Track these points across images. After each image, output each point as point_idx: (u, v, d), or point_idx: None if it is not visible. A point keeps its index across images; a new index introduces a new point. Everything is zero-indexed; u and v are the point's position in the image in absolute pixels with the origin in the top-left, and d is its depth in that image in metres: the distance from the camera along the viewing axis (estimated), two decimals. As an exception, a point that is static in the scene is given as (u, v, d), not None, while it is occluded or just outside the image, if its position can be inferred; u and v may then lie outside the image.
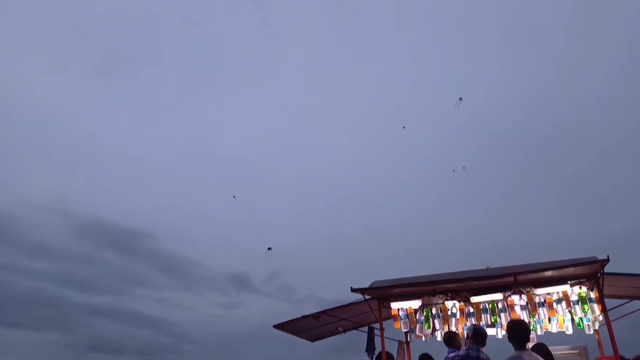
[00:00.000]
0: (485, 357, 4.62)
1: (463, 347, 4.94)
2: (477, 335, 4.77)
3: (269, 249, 23.01)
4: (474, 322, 6.26)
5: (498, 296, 6.35)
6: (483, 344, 4.78)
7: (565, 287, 6.12)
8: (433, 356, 6.28)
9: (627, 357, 6.01)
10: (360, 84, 46.94)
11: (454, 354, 4.89)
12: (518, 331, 4.08)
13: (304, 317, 7.69)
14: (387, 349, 6.65)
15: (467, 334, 4.95)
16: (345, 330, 8.69)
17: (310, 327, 8.20)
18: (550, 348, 5.28)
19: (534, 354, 4.06)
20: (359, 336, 8.57)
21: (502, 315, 6.28)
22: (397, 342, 7.17)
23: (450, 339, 5.50)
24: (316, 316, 7.65)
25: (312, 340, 8.98)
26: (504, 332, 6.91)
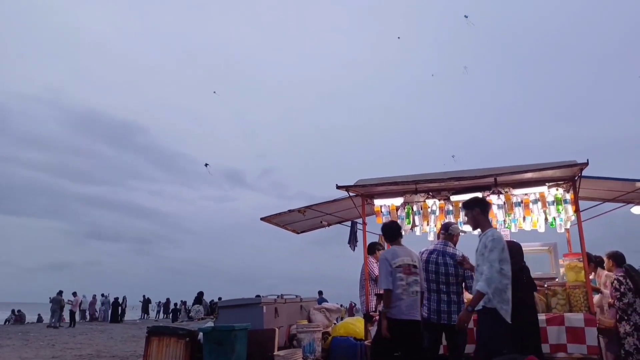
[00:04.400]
0: (452, 251, 4.92)
1: (435, 242, 5.23)
2: (444, 230, 5.10)
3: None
4: (452, 219, 6.53)
5: (477, 195, 6.56)
6: (452, 238, 5.06)
7: (543, 189, 6.32)
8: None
9: (594, 254, 6.40)
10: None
11: (424, 248, 5.17)
12: (387, 231, 4.85)
13: (290, 211, 7.95)
14: (368, 241, 7.00)
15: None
16: (329, 224, 9.07)
17: (296, 220, 8.52)
18: (522, 244, 5.61)
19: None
20: (342, 230, 8.97)
21: (480, 213, 6.53)
22: (378, 236, 7.52)
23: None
24: (302, 210, 7.91)
25: (298, 233, 9.39)
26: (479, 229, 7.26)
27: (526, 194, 6.45)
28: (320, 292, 20.29)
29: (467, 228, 7.27)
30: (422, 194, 6.91)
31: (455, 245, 5.05)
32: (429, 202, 6.88)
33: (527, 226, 6.86)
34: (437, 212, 6.81)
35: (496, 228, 6.56)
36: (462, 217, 6.69)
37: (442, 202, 6.82)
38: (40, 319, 28.75)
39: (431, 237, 6.90)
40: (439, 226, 6.78)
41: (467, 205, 4.40)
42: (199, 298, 17.39)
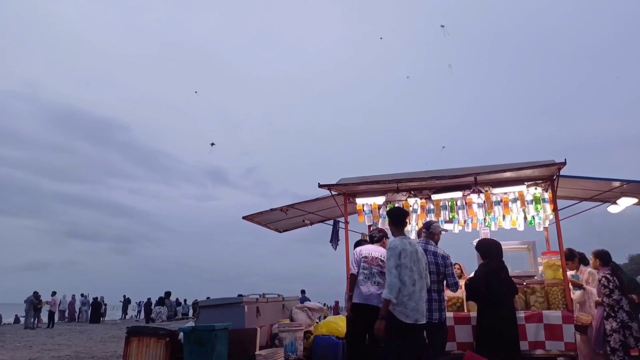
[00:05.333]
0: (433, 249, 4.95)
1: (417, 240, 5.26)
2: (425, 229, 5.15)
3: (212, 144, 22.79)
4: (433, 218, 6.58)
5: (458, 194, 6.63)
6: (433, 237, 5.11)
7: (522, 188, 6.41)
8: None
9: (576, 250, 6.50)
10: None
11: None
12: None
13: (272, 209, 7.92)
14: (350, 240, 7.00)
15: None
16: (312, 223, 9.06)
17: (278, 219, 8.50)
18: (501, 243, 5.69)
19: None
20: (325, 228, 8.98)
21: (460, 212, 6.60)
22: (360, 235, 7.53)
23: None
24: (284, 209, 7.89)
25: (280, 231, 9.37)
26: (460, 227, 7.34)
27: (505, 193, 6.53)
28: (302, 291, 20.28)
29: (448, 226, 7.37)
30: (404, 193, 6.95)
31: (436, 244, 5.09)
32: (411, 200, 6.92)
33: (506, 225, 6.96)
34: (419, 211, 6.86)
35: (476, 227, 6.67)
36: (443, 215, 6.74)
37: (423, 200, 6.87)
38: (17, 320, 28.14)
39: (413, 236, 6.94)
40: (420, 225, 6.82)
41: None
42: (162, 299, 16.95)
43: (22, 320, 24.55)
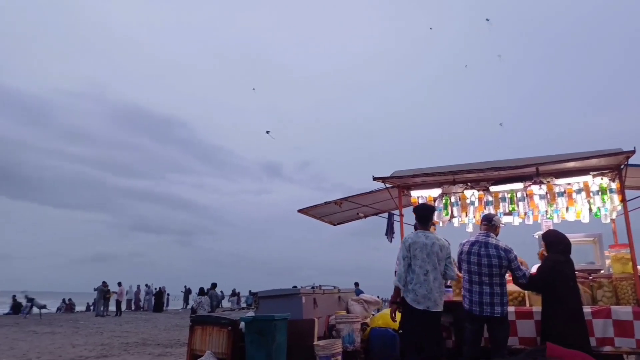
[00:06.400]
0: (494, 242, 4.84)
1: (477, 233, 5.16)
2: (486, 221, 5.04)
3: (268, 132, 23.19)
4: (491, 210, 6.43)
5: (518, 186, 6.43)
6: (494, 229, 4.99)
7: (587, 178, 6.13)
8: (448, 241, 6.62)
9: None
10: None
11: (465, 240, 5.13)
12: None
13: (326, 203, 8.02)
14: (405, 233, 6.97)
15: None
16: (366, 216, 9.09)
17: (332, 212, 8.59)
18: (567, 235, 5.47)
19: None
20: (378, 221, 8.98)
21: (520, 204, 6.41)
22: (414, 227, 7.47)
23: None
24: (338, 202, 7.97)
25: (334, 224, 9.45)
26: (520, 220, 7.12)
27: (569, 184, 6.27)
28: (356, 284, 20.35)
29: (507, 219, 7.17)
30: (461, 185, 6.83)
31: (496, 237, 4.98)
32: (468, 192, 6.79)
33: (570, 217, 6.67)
34: (476, 203, 6.72)
35: (539, 219, 6.48)
36: (502, 207, 6.58)
37: (481, 192, 6.72)
38: (88, 308, 30.07)
39: (470, 229, 6.82)
40: (477, 217, 6.69)
41: None
42: (202, 289, 17.45)
43: (93, 308, 26.22)
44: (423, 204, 5.94)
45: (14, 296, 27.27)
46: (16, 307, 25.81)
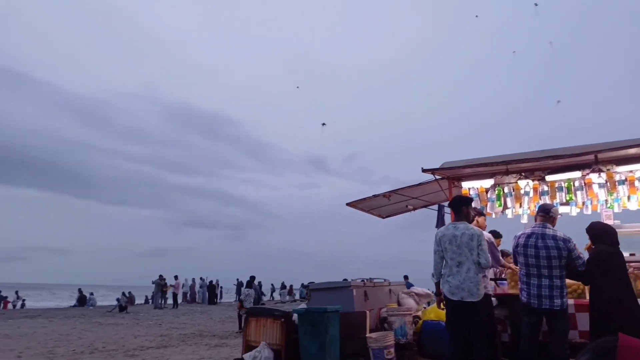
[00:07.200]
0: (552, 233, 4.68)
1: (532, 225, 5.01)
2: (543, 212, 4.86)
3: (323, 124, 23.56)
4: (547, 201, 6.22)
5: (576, 174, 6.18)
6: (551, 220, 4.82)
7: (651, 165, 5.82)
8: (501, 232, 6.47)
9: None
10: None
11: (521, 232, 4.99)
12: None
13: (375, 195, 8.02)
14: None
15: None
16: (415, 208, 9.01)
17: (381, 205, 8.58)
18: (628, 225, 5.23)
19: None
20: (427, 213, 8.89)
21: (578, 193, 6.17)
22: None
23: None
24: (387, 195, 7.95)
25: (383, 217, 9.44)
26: (578, 210, 6.85)
27: (631, 171, 5.97)
28: (405, 277, 20.18)
29: (565, 209, 6.90)
30: (514, 175, 6.63)
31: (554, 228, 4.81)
32: (522, 183, 6.58)
33: (632, 206, 6.36)
34: (531, 194, 6.51)
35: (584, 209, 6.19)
36: (558, 197, 6.35)
37: (536, 182, 6.50)
38: (147, 301, 31.41)
39: (524, 220, 6.64)
40: (532, 208, 6.49)
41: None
42: (249, 282, 17.87)
43: (151, 301, 27.39)
44: (456, 196, 5.88)
45: (79, 289, 28.90)
46: (82, 300, 27.41)
